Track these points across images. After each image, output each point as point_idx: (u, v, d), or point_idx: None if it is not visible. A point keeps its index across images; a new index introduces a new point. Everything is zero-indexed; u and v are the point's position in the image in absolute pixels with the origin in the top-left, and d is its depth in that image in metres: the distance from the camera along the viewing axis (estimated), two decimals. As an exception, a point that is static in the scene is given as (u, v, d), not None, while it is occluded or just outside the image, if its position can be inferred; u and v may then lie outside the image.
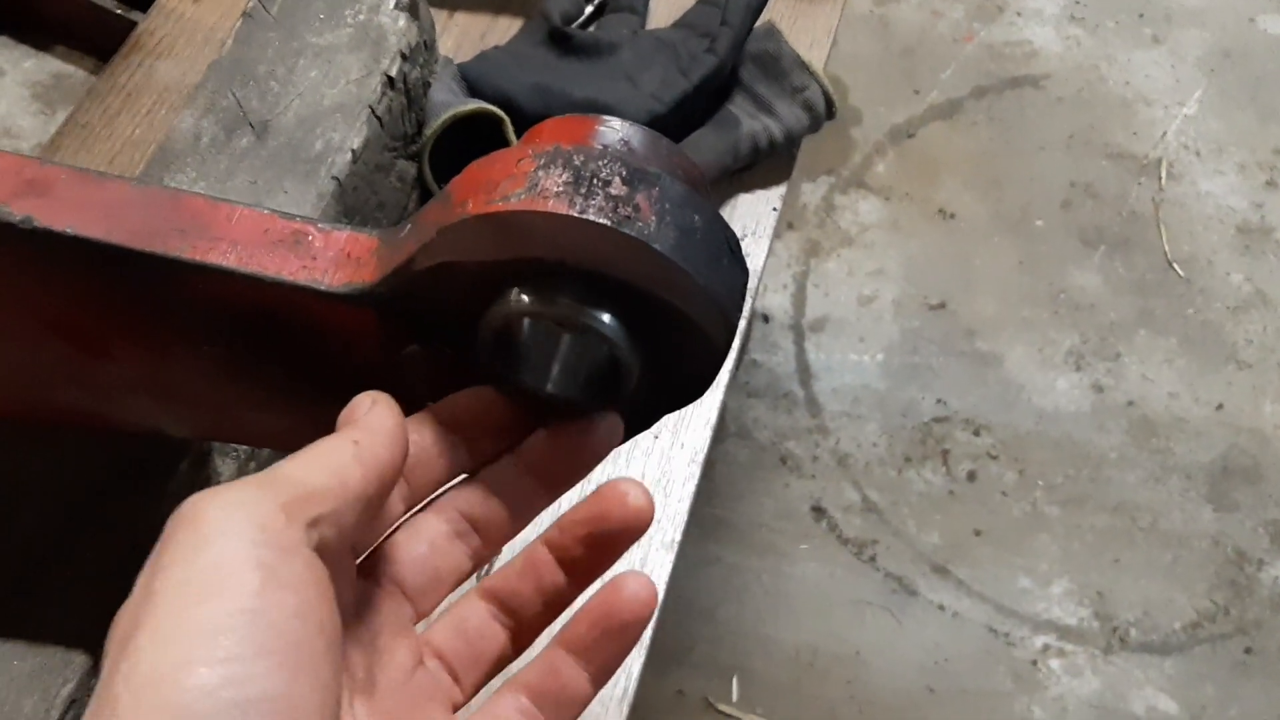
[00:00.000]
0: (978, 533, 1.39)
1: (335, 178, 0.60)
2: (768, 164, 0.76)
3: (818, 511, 1.40)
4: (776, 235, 1.64)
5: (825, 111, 0.75)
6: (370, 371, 0.41)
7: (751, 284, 0.72)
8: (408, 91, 0.66)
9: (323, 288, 0.38)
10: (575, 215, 0.32)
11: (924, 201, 1.69)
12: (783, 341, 1.55)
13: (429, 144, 0.67)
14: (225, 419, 0.48)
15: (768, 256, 0.73)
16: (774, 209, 0.75)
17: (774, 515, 1.40)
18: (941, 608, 1.34)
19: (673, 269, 0.33)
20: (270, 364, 0.42)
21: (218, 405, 0.46)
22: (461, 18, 0.83)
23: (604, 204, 0.32)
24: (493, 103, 0.70)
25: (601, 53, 0.76)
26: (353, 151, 0.61)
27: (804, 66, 0.75)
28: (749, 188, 0.75)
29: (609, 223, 0.32)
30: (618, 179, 0.33)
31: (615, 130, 0.36)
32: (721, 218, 0.36)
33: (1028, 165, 1.72)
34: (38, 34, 1.09)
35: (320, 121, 0.62)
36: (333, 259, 0.39)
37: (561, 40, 0.76)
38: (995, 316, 1.57)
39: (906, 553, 1.37)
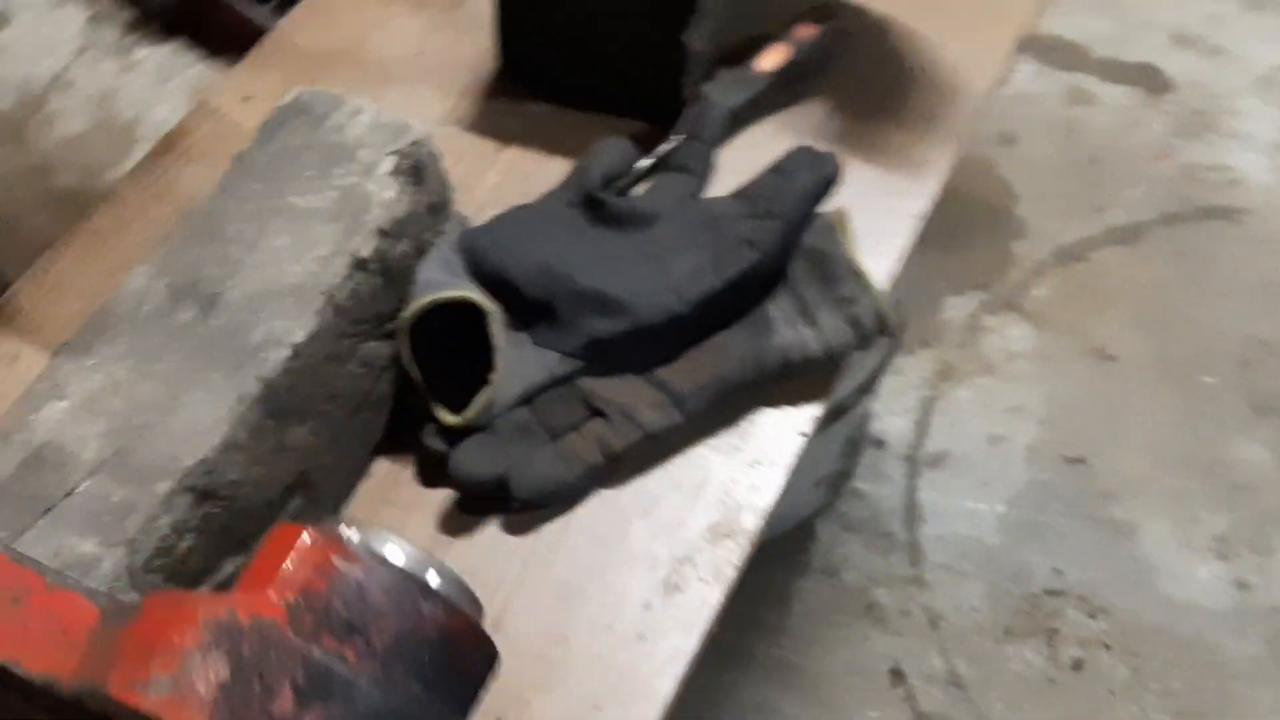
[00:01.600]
0: (1072, 733, 1.24)
1: (262, 379, 0.53)
2: (805, 376, 0.65)
3: (896, 675, 1.28)
4: (908, 351, 1.52)
5: (877, 330, 0.64)
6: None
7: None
8: (386, 270, 0.59)
9: (19, 672, 0.31)
10: (203, 738, 0.24)
11: (1082, 336, 1.52)
12: (894, 473, 1.42)
13: (406, 327, 0.60)
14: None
15: (783, 491, 0.63)
16: (801, 434, 0.64)
17: (847, 669, 1.28)
18: (1013, 814, 1.20)
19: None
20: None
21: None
22: (512, 154, 0.76)
23: (250, 724, 0.24)
24: (492, 281, 0.63)
25: (636, 224, 0.67)
26: (293, 346, 0.54)
27: (857, 276, 0.64)
28: (776, 403, 0.65)
29: (245, 754, 0.24)
30: (287, 687, 0.25)
31: (356, 570, 0.28)
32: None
33: (1208, 311, 1.53)
34: (210, 41, 1.09)
35: (269, 303, 0.56)
36: (45, 633, 0.32)
37: (594, 206, 0.68)
38: (1139, 481, 1.40)
39: (986, 742, 1.24)
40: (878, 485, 1.41)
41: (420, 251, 0.62)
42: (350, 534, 0.30)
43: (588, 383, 0.63)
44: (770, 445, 0.64)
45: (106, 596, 0.32)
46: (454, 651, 0.28)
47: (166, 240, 0.59)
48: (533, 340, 0.63)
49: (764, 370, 0.63)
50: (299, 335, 0.55)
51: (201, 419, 0.52)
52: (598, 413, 0.62)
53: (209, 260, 0.58)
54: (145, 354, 0.54)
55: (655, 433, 0.62)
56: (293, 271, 0.57)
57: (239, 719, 0.25)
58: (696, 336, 0.64)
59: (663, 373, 0.63)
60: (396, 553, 0.30)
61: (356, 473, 0.62)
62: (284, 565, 0.28)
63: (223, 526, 0.53)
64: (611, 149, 0.70)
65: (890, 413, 1.47)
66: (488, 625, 0.58)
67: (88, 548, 0.49)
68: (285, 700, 0.25)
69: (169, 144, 0.77)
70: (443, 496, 0.62)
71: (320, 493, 0.59)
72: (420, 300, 0.60)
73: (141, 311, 0.56)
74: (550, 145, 0.76)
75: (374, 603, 0.28)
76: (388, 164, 0.60)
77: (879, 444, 1.45)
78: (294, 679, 0.25)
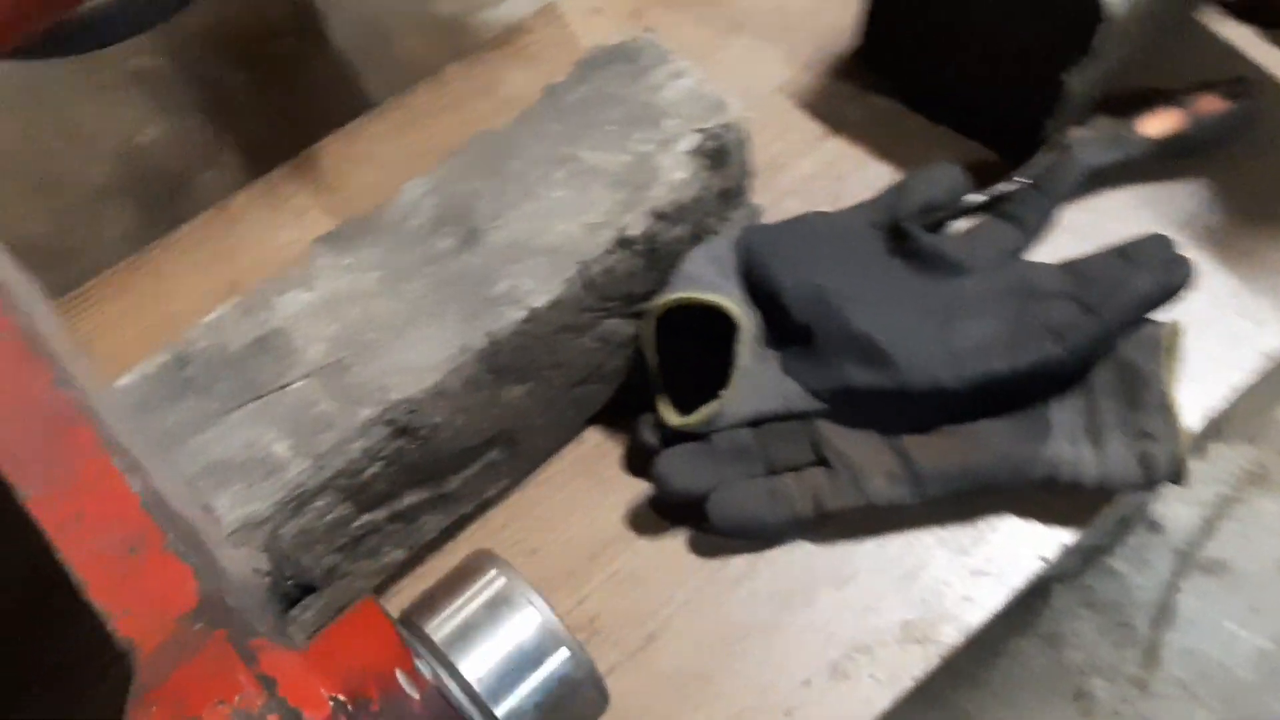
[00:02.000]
0: None
1: (491, 335, 0.51)
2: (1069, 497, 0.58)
3: (1082, 775, 1.18)
4: (1224, 439, 1.35)
5: (1168, 478, 0.55)
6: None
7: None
8: (652, 251, 0.56)
9: (108, 626, 0.31)
10: None
11: None
12: (1158, 563, 1.28)
13: (654, 315, 0.57)
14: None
15: (1006, 608, 0.56)
16: (1042, 559, 0.57)
17: (1032, 749, 1.19)
18: None
19: None
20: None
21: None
22: (836, 145, 0.70)
23: None
24: (760, 291, 0.58)
25: (938, 269, 0.60)
26: (531, 310, 0.52)
27: (1167, 411, 0.55)
28: (1025, 513, 0.58)
29: None
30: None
31: (414, 694, 0.25)
32: None
33: None
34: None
35: (523, 258, 0.53)
36: (146, 596, 0.31)
37: (899, 235, 0.61)
38: None
39: None
40: (1137, 571, 1.28)
41: (698, 236, 0.58)
42: (432, 640, 0.27)
43: (823, 426, 0.57)
44: (1003, 559, 0.57)
45: (214, 581, 0.31)
46: None
47: (452, 156, 0.58)
48: (781, 364, 0.58)
49: (1022, 478, 0.56)
50: (540, 300, 0.52)
51: (422, 357, 0.51)
52: (824, 461, 0.57)
53: (483, 193, 0.56)
54: (396, 270, 0.54)
55: (880, 505, 0.56)
56: (556, 231, 0.54)
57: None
58: (961, 415, 0.57)
59: (909, 441, 0.57)
60: (531, 619, 0.26)
61: (565, 438, 0.60)
62: (348, 656, 0.26)
63: (413, 463, 0.52)
64: (940, 176, 0.63)
65: (1180, 498, 1.32)
66: (640, 637, 0.56)
67: (281, 449, 0.49)
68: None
69: (506, 38, 0.76)
70: (642, 487, 0.59)
71: (521, 449, 0.57)
72: (675, 294, 0.56)
73: (406, 225, 0.55)
74: (880, 148, 0.69)
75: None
76: (690, 141, 0.56)
77: (1154, 527, 1.31)
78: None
